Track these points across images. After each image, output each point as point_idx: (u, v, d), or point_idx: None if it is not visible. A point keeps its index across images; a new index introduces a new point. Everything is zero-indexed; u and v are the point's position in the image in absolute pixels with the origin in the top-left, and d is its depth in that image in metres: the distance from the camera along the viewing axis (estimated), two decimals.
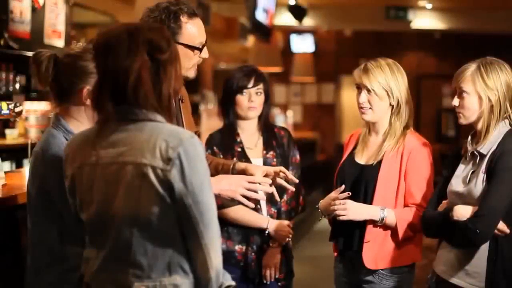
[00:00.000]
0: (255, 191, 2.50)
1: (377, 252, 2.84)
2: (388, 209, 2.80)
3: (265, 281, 3.18)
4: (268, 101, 3.32)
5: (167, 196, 1.80)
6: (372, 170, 2.87)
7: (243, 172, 2.67)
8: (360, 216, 2.80)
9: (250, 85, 3.24)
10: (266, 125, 3.34)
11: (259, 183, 2.51)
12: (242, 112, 3.26)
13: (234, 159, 2.77)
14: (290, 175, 2.70)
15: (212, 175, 2.64)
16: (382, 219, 2.79)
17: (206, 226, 1.81)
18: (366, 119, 2.92)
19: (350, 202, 2.80)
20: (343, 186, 2.86)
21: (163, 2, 2.48)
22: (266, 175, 2.61)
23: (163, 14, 2.43)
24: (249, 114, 3.26)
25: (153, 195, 1.80)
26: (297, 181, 2.77)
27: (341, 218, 2.80)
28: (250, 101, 3.23)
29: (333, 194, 2.87)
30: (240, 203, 2.55)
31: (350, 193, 2.83)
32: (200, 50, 2.50)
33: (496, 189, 2.46)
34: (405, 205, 2.84)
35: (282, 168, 2.67)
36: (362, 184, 2.87)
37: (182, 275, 1.84)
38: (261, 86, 3.26)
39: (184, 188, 1.79)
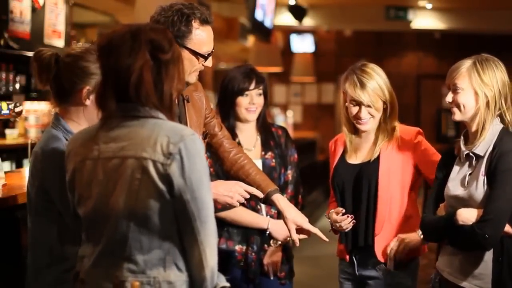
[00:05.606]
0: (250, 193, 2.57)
1: (388, 244, 2.85)
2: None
3: (271, 278, 3.18)
4: (266, 102, 3.31)
5: (166, 191, 1.82)
6: (372, 166, 2.87)
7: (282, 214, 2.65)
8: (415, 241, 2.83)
9: (252, 87, 3.20)
10: (263, 126, 3.32)
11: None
12: (242, 114, 3.23)
13: (271, 188, 2.68)
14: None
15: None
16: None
17: (203, 223, 1.83)
18: (365, 130, 2.91)
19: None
20: (344, 211, 2.84)
21: (177, 3, 2.45)
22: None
23: (175, 15, 2.40)
24: (249, 116, 3.23)
25: (152, 189, 1.81)
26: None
27: None
28: (252, 103, 3.21)
29: (335, 216, 2.84)
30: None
31: (344, 210, 2.83)
32: (205, 58, 2.48)
33: (501, 191, 2.42)
34: None
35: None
36: (364, 181, 2.87)
37: (176, 272, 1.85)
38: (261, 87, 3.24)
39: (183, 183, 1.81)
